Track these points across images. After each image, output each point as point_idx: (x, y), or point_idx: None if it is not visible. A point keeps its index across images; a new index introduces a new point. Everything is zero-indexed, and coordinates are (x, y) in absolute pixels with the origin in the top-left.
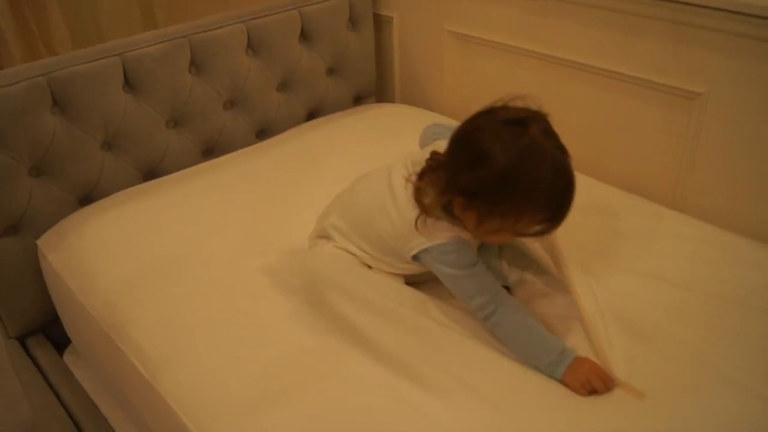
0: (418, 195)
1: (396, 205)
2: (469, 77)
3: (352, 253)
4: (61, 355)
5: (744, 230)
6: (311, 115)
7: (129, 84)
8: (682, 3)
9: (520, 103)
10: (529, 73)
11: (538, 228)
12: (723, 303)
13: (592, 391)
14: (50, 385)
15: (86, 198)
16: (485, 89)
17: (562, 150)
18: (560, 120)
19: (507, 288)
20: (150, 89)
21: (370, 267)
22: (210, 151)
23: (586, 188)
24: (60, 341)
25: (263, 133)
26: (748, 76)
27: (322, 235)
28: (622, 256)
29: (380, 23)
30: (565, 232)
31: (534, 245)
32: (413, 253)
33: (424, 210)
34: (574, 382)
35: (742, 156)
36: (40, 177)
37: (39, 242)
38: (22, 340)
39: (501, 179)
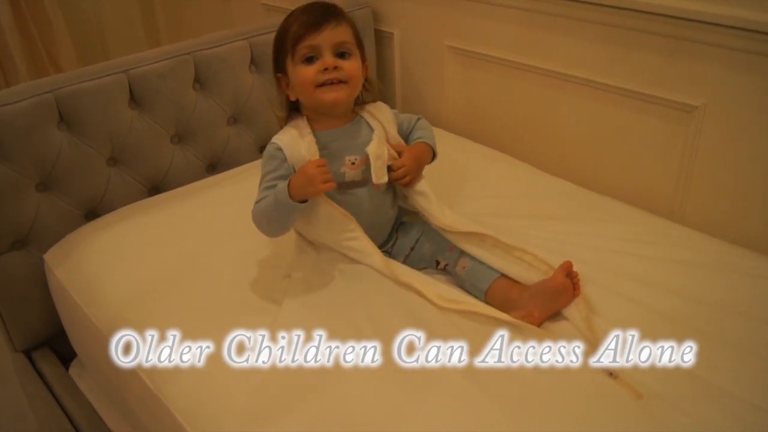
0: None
1: None
2: (470, 92)
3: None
4: (67, 369)
5: (742, 242)
6: None
7: (134, 100)
8: (679, 18)
9: None
10: (528, 87)
11: (300, 35)
12: (722, 313)
13: (313, 177)
14: (56, 398)
15: (92, 213)
16: (486, 104)
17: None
18: (559, 133)
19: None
20: (155, 105)
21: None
22: (214, 166)
23: (584, 200)
24: (66, 354)
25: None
26: (745, 89)
27: None
28: (621, 266)
29: (381, 39)
30: (562, 242)
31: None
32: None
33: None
34: (297, 187)
35: (739, 168)
36: (47, 192)
37: (46, 256)
38: (28, 354)
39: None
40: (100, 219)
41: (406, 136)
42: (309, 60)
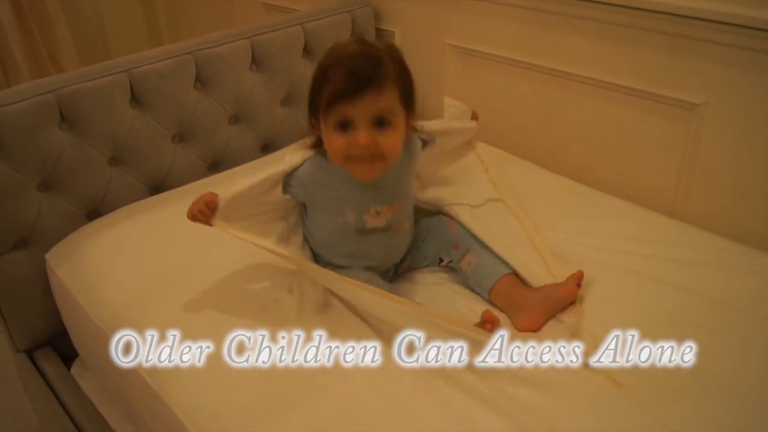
0: None
1: None
2: (471, 90)
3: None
4: (69, 368)
5: (744, 239)
6: None
7: (136, 100)
8: (680, 16)
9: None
10: (529, 85)
11: (336, 98)
12: (723, 309)
13: (196, 215)
14: (58, 398)
15: (94, 212)
16: (487, 102)
17: (381, 45)
18: (561, 131)
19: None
20: (156, 105)
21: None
22: (216, 165)
23: (586, 197)
24: (68, 354)
25: (268, 147)
26: (746, 86)
27: None
28: (622, 263)
29: (382, 38)
30: (564, 239)
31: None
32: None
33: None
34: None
35: (741, 165)
36: (49, 192)
37: (47, 256)
38: (30, 354)
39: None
40: (101, 218)
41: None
42: (342, 126)
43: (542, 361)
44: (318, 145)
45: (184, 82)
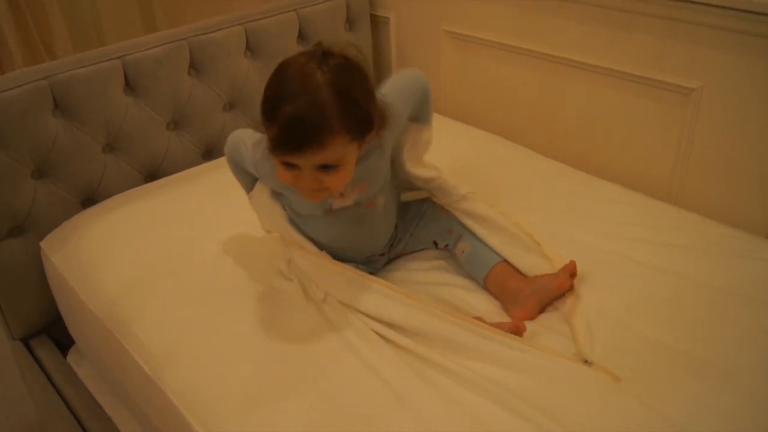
0: None
1: None
2: (467, 76)
3: None
4: (65, 356)
5: (740, 224)
6: None
7: (130, 86)
8: (676, 0)
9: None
10: (525, 71)
11: (276, 147)
12: (721, 294)
13: None
14: (54, 386)
15: (89, 199)
16: (483, 88)
17: (330, 81)
18: (556, 116)
19: None
20: (150, 91)
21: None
22: (210, 152)
23: (581, 183)
24: (63, 342)
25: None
26: (742, 71)
27: None
28: (619, 248)
29: (377, 24)
30: (560, 225)
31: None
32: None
33: None
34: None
35: (737, 150)
36: (43, 179)
37: (42, 244)
38: (26, 342)
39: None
40: (96, 206)
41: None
42: (287, 164)
43: (540, 355)
44: None
45: (178, 69)
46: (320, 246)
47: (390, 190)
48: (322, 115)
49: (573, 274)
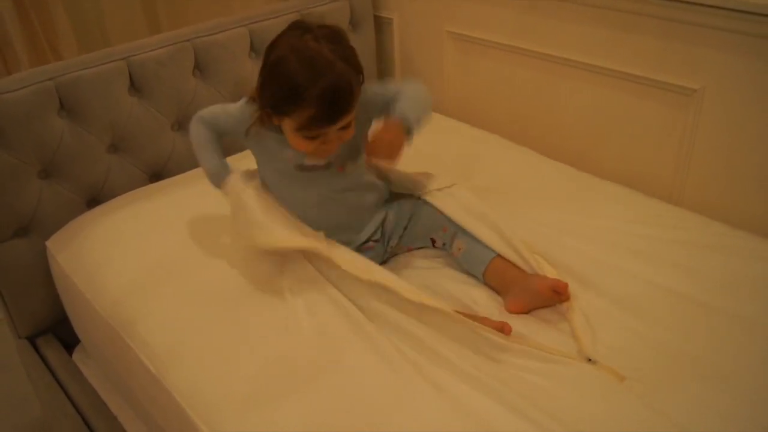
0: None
1: None
2: (469, 77)
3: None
4: (71, 355)
5: (741, 224)
6: None
7: (135, 87)
8: (677, 0)
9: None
10: (528, 72)
11: (313, 124)
12: (723, 293)
13: None
14: (60, 384)
15: (94, 200)
16: (485, 89)
17: (334, 52)
18: (558, 117)
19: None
20: (155, 92)
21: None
22: None
23: (583, 183)
24: (69, 341)
25: None
26: (743, 72)
27: None
28: (622, 247)
29: (380, 25)
30: (562, 226)
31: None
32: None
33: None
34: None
35: (738, 150)
36: (49, 179)
37: (48, 243)
38: (32, 340)
39: (270, 74)
40: (101, 206)
41: (385, 106)
42: (311, 137)
43: (543, 354)
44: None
45: (183, 70)
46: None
47: (363, 166)
48: (348, 83)
49: (559, 292)
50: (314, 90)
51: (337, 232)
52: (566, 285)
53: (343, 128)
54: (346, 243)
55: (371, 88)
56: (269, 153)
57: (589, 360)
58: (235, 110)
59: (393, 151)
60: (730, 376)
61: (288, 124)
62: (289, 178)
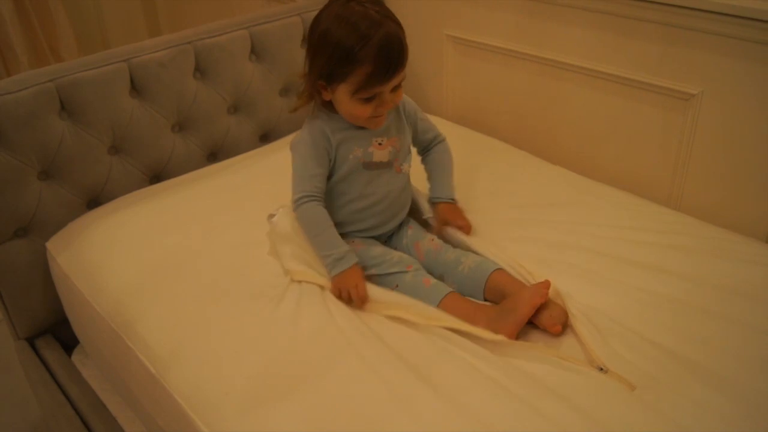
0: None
1: None
2: (469, 81)
3: None
4: (70, 356)
5: (740, 228)
6: None
7: (135, 89)
8: (676, 6)
9: None
10: (527, 76)
11: (371, 82)
12: (722, 296)
13: (343, 298)
14: (59, 385)
15: (94, 201)
16: (485, 93)
17: (379, 12)
18: (558, 121)
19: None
20: (156, 94)
21: None
22: (214, 154)
23: (582, 187)
24: (68, 342)
25: (267, 136)
26: (741, 76)
27: None
28: (620, 251)
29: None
30: (561, 229)
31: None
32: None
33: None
34: (336, 284)
35: (736, 155)
36: (49, 180)
37: (48, 244)
38: (31, 341)
39: (321, 44)
40: (101, 207)
41: (419, 145)
42: (368, 99)
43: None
44: (319, 108)
45: (183, 72)
46: (355, 218)
47: (410, 163)
48: (399, 38)
49: (541, 298)
50: (369, 47)
51: (378, 214)
52: (548, 284)
53: (394, 90)
54: (375, 229)
55: (413, 102)
56: (341, 156)
57: (601, 369)
58: (308, 147)
59: (467, 227)
60: (729, 381)
61: (343, 91)
62: (357, 176)
